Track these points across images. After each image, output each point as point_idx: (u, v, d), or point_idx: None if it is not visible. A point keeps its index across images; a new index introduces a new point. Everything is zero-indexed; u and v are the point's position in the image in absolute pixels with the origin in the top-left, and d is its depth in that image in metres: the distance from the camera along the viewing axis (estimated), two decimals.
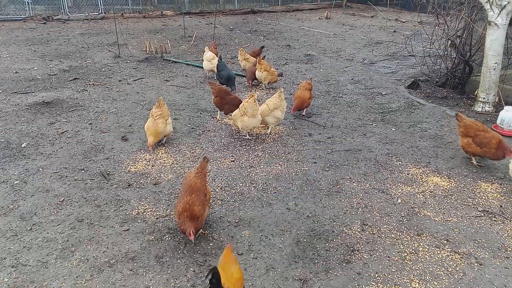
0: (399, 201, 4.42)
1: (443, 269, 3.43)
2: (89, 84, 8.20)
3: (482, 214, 4.18)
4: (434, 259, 3.54)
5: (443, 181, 4.82)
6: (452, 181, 4.82)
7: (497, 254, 3.61)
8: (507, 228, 3.96)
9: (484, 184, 4.75)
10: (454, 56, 7.96)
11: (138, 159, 5.26)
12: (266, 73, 7.87)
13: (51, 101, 7.17)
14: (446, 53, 8.11)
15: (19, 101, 7.14)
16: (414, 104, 7.27)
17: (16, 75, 8.61)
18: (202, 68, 9.12)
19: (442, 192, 4.58)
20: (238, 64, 9.30)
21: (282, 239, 3.80)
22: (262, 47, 9.92)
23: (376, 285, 3.26)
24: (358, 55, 11.08)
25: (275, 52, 11.29)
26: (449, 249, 3.67)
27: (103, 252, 3.60)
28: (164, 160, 5.25)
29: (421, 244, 3.74)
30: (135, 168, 5.05)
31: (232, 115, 5.98)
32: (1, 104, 6.98)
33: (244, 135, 5.98)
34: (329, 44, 12.37)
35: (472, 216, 4.15)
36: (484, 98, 6.86)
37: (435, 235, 3.85)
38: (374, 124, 6.48)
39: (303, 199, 4.42)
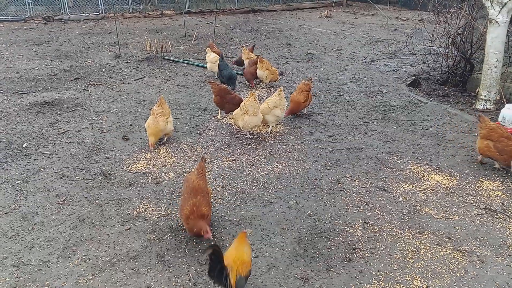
0: (401, 199, 4.41)
1: (445, 267, 3.43)
2: (89, 84, 8.21)
3: (484, 212, 4.17)
4: (436, 257, 3.54)
5: (445, 179, 4.81)
6: (454, 179, 4.81)
7: (499, 251, 3.60)
8: (509, 225, 3.95)
9: (485, 181, 4.74)
10: (455, 54, 7.94)
11: (139, 159, 5.27)
12: (267, 72, 7.88)
13: (52, 101, 7.18)
14: (447, 51, 8.10)
15: (20, 101, 7.14)
16: (415, 102, 7.26)
17: (17, 76, 8.62)
18: (203, 67, 9.12)
19: (443, 190, 4.57)
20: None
21: (283, 237, 3.79)
22: (254, 45, 9.90)
23: (377, 283, 3.26)
24: (359, 53, 11.07)
25: (275, 51, 11.29)
26: (451, 247, 3.66)
27: (105, 251, 3.60)
28: (165, 159, 5.25)
29: (423, 242, 3.73)
30: (136, 167, 5.05)
31: (233, 114, 5.98)
32: (2, 105, 6.99)
33: (245, 134, 5.97)
34: (329, 43, 12.35)
35: (474, 214, 4.14)
36: (485, 96, 6.85)
37: (437, 233, 3.84)
38: (375, 123, 6.47)
39: (304, 198, 4.42)
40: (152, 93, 7.77)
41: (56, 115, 6.65)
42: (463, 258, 3.52)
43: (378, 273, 3.36)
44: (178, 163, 5.16)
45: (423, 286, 3.23)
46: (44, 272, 3.37)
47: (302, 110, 6.64)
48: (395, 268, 3.41)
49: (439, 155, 5.38)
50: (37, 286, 3.23)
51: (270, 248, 3.65)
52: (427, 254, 3.58)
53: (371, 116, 6.75)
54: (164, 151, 5.47)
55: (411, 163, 5.17)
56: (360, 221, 4.03)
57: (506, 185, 4.65)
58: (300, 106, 6.49)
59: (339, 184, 4.69)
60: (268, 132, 6.07)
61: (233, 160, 5.26)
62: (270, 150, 5.52)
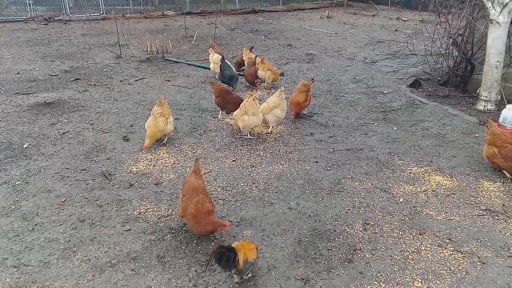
0: (401, 200, 4.40)
1: (446, 268, 3.42)
2: (90, 85, 8.21)
3: (485, 213, 4.16)
4: (437, 258, 3.53)
5: (445, 180, 4.80)
6: (454, 180, 4.80)
7: (500, 253, 3.59)
8: (510, 227, 3.94)
9: (486, 182, 4.73)
10: (456, 54, 7.93)
11: (139, 159, 5.26)
12: (269, 72, 7.90)
13: (52, 102, 7.18)
14: (447, 51, 8.08)
15: (20, 102, 7.15)
16: (416, 103, 7.25)
17: (18, 76, 8.63)
18: (203, 68, 9.11)
19: (444, 191, 4.56)
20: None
21: (284, 238, 3.79)
22: (252, 47, 9.89)
23: (378, 285, 3.25)
24: (360, 54, 11.06)
25: (276, 51, 11.28)
26: (452, 248, 3.65)
27: (105, 252, 3.60)
28: (166, 160, 5.25)
29: (424, 243, 3.72)
30: (136, 168, 5.05)
31: (233, 114, 5.98)
32: (3, 105, 6.99)
33: (245, 135, 5.97)
34: (330, 43, 12.35)
35: (475, 215, 4.13)
36: (486, 96, 6.84)
37: (438, 234, 3.84)
38: (375, 123, 6.46)
39: (304, 199, 4.41)
40: (153, 93, 7.77)
41: (56, 115, 6.65)
42: (464, 259, 3.51)
43: (378, 274, 3.35)
44: (178, 164, 5.16)
45: (424, 287, 3.22)
46: (44, 272, 3.37)
47: (304, 108, 6.64)
48: (395, 269, 3.41)
49: (440, 156, 5.37)
50: (37, 287, 3.23)
51: (271, 249, 3.65)
52: (428, 255, 3.57)
53: (371, 117, 6.74)
54: (164, 151, 5.47)
55: (412, 164, 5.16)
56: (361, 222, 4.02)
57: (507, 186, 4.64)
58: (300, 105, 6.49)
59: (340, 185, 4.69)
60: (268, 133, 6.07)
61: (233, 160, 5.25)
62: (271, 151, 5.52)
